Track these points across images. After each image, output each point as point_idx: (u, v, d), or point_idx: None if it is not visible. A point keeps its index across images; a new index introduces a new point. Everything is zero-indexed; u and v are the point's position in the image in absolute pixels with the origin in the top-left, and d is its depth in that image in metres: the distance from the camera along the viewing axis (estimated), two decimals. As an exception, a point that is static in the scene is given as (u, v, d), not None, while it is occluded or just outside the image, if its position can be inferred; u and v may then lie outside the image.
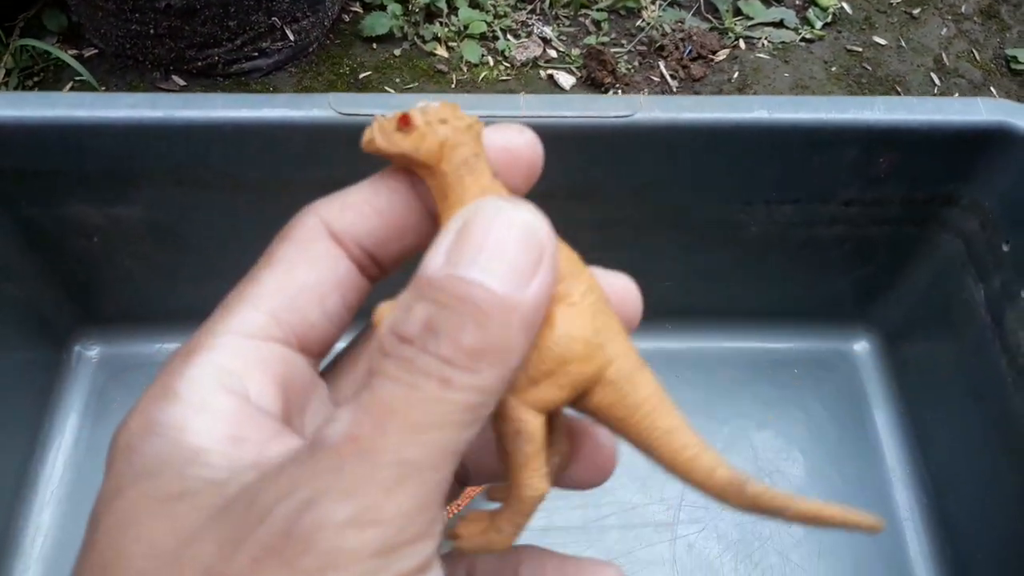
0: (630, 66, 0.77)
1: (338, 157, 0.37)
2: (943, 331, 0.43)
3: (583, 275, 0.18)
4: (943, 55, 0.82)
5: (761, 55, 0.80)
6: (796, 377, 0.47)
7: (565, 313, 0.17)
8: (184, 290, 0.43)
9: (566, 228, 0.42)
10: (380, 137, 0.18)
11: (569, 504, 0.43)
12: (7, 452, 0.42)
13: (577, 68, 0.77)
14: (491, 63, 0.77)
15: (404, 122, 0.17)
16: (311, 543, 0.14)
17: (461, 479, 0.21)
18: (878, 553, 0.43)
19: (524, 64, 0.77)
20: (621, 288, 0.20)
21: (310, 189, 0.39)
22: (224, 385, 0.17)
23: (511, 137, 0.19)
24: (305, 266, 0.19)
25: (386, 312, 0.16)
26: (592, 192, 0.39)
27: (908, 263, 0.44)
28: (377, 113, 0.20)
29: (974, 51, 0.83)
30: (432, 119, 0.17)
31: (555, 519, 0.42)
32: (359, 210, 0.19)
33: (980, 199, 0.40)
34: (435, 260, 0.16)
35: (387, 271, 0.20)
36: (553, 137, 0.37)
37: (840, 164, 0.38)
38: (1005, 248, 0.39)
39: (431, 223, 0.19)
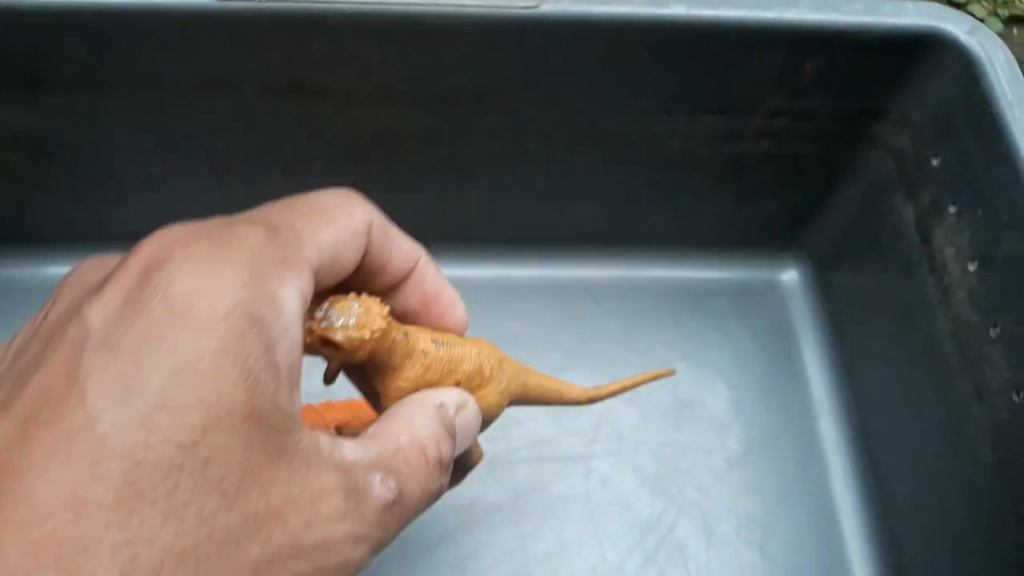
0: None
1: (216, 51, 0.34)
2: (873, 256, 0.41)
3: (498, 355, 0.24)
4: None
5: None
6: (722, 307, 0.45)
7: (488, 392, 0.24)
8: (53, 206, 0.40)
9: (472, 136, 0.39)
10: (309, 349, 0.20)
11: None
12: None
13: None
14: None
15: (327, 345, 0.19)
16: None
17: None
18: (803, 488, 0.41)
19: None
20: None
21: (185, 88, 0.35)
22: None
23: (444, 305, 0.23)
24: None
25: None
26: (498, 96, 0.36)
27: (838, 185, 0.42)
28: None
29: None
30: (352, 334, 0.19)
31: (463, 453, 0.40)
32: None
33: (909, 113, 0.38)
34: None
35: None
36: (455, 31, 0.34)
37: (765, 69, 0.36)
38: (934, 163, 0.37)
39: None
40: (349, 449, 0.18)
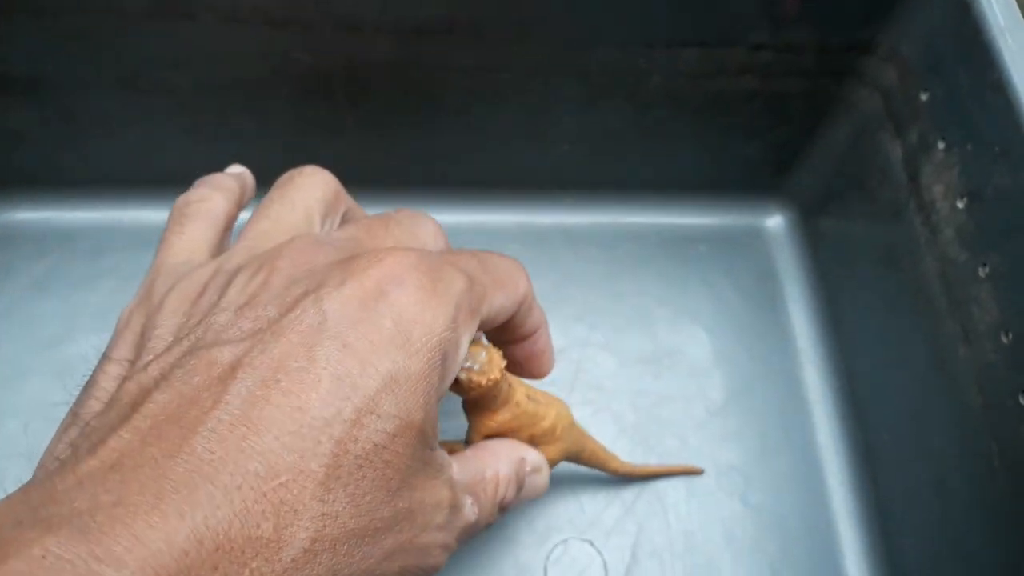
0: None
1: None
2: (860, 199, 0.40)
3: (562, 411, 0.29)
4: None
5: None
6: (703, 254, 0.43)
7: (553, 449, 0.28)
8: (4, 149, 0.38)
9: (444, 71, 0.38)
10: None
11: (452, 386, 0.39)
12: None
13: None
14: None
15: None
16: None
17: None
18: (786, 437, 0.40)
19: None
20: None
21: (140, 16, 0.34)
22: None
23: (541, 362, 0.27)
24: None
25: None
26: (470, 26, 0.34)
27: (824, 125, 0.40)
28: None
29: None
30: (473, 376, 0.22)
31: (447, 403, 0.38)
32: None
33: (898, 45, 0.36)
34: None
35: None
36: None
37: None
38: (923, 97, 0.35)
39: None
40: (455, 469, 0.21)
